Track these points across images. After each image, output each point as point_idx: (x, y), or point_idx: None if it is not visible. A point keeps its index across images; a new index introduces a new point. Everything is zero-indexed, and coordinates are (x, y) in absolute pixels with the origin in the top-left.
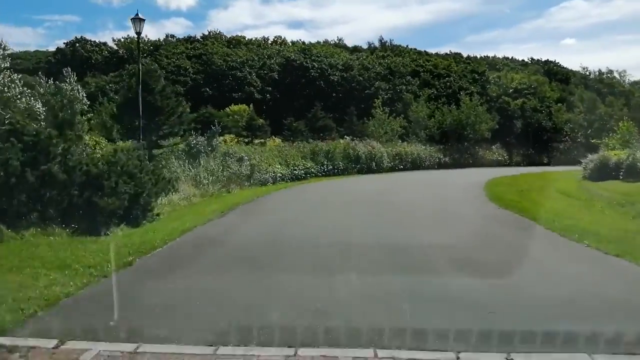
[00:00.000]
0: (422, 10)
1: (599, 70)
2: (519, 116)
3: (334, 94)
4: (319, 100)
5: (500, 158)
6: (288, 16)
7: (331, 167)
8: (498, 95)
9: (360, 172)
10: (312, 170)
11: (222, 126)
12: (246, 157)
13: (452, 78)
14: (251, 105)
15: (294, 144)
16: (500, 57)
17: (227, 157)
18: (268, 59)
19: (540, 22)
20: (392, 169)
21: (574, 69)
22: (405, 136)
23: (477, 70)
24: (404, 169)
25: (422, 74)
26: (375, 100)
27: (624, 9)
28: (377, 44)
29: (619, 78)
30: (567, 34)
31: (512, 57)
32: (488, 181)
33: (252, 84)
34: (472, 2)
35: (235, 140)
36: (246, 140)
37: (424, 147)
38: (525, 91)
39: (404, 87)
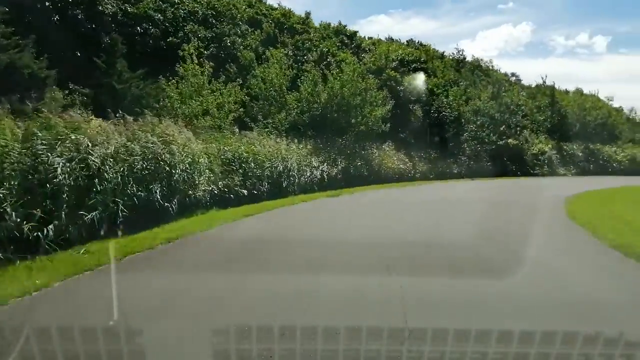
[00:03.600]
0: None
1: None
2: (414, 100)
3: (108, 39)
4: (76, 49)
5: (402, 166)
6: None
7: None
8: (380, 68)
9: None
10: None
11: None
12: None
13: (312, 36)
14: None
15: None
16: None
17: None
18: None
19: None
20: (222, 199)
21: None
22: (251, 122)
23: (345, 32)
24: (255, 197)
25: (265, 25)
26: (184, 47)
27: (418, 27)
28: None
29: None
30: None
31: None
32: None
33: None
34: (295, 2)
35: None
36: None
37: (286, 145)
38: (415, 65)
39: (239, 41)
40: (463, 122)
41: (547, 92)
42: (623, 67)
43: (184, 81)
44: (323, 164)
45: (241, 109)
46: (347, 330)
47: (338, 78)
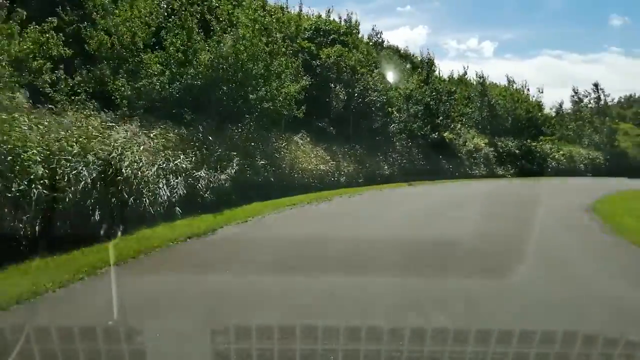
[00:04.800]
0: None
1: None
2: (335, 79)
3: None
4: None
5: (322, 167)
6: None
7: None
8: (291, 37)
9: None
10: None
11: None
12: None
13: None
14: None
15: None
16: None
17: None
18: None
19: None
20: None
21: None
22: (49, 88)
23: None
24: None
25: None
26: None
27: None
28: None
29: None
30: None
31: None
32: None
33: None
34: None
35: None
36: None
37: (125, 133)
38: (333, 37)
39: None
40: (392, 111)
41: (467, 82)
42: (507, 71)
43: None
44: (201, 168)
45: (50, 66)
46: (347, 330)
47: (230, 31)
